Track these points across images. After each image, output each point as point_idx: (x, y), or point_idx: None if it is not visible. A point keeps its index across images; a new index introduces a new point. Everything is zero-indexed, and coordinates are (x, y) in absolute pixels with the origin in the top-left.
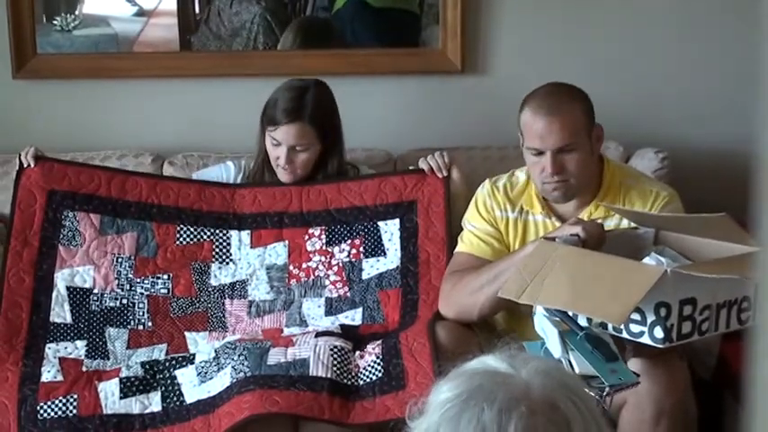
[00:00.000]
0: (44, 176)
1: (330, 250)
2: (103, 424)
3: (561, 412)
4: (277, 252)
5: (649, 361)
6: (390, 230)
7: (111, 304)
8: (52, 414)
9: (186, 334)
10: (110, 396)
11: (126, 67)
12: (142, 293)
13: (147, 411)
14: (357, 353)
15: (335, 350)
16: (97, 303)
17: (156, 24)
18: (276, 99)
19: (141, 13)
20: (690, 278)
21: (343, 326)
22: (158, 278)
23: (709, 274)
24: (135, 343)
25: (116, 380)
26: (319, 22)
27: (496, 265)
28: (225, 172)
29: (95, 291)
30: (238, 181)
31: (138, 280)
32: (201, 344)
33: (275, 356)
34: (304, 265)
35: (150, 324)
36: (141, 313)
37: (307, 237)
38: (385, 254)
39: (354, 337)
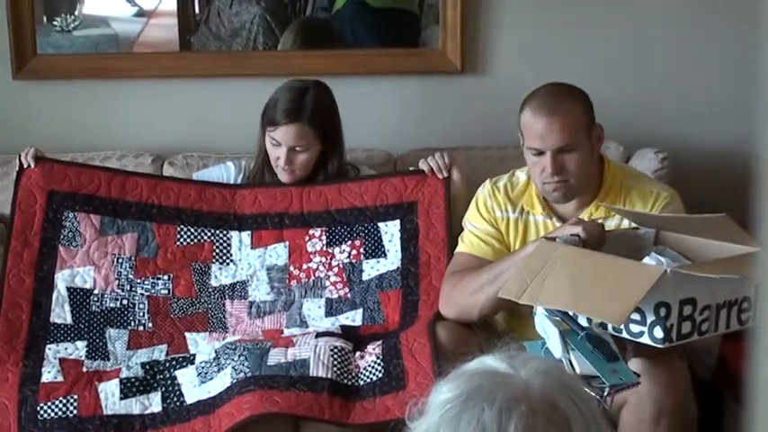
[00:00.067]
0: (44, 177)
1: (330, 251)
2: (104, 424)
3: (561, 412)
4: (277, 253)
5: (649, 361)
6: (391, 231)
7: (112, 305)
8: (52, 414)
9: (186, 335)
10: (110, 396)
11: (126, 68)
12: (142, 294)
13: (148, 412)
14: (357, 353)
15: (336, 350)
16: (97, 304)
17: (156, 25)
18: (276, 99)
19: (141, 13)
20: (690, 278)
21: (343, 326)
22: (159, 279)
23: (709, 274)
24: (135, 344)
25: (116, 380)
26: (319, 22)
27: (497, 266)
28: (225, 172)
29: (96, 291)
30: (239, 181)
31: (139, 280)
32: (202, 344)
33: (275, 357)
34: (304, 266)
35: (150, 325)
36: (141, 314)
37: (307, 237)
38: (385, 255)
39: (354, 338)
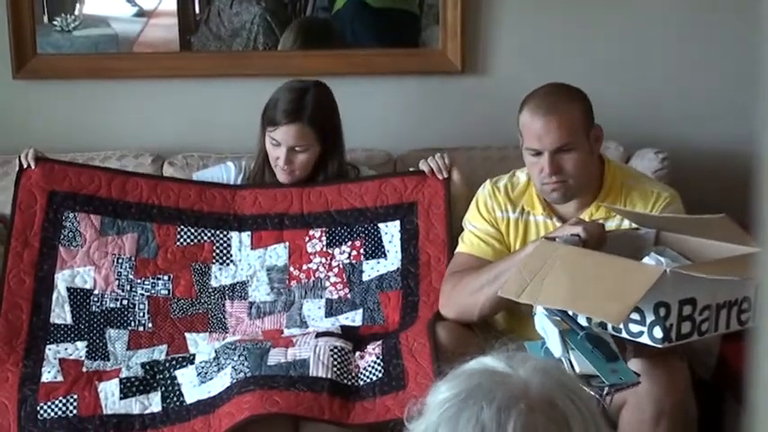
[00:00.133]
0: (44, 177)
1: (330, 252)
2: (103, 424)
3: (560, 410)
4: (277, 253)
5: (649, 361)
6: (391, 232)
7: (112, 305)
8: (52, 414)
9: (186, 335)
10: (110, 396)
11: (126, 68)
12: (142, 294)
13: (147, 412)
14: (357, 353)
15: (336, 350)
16: (97, 304)
17: (156, 25)
18: (276, 99)
19: (141, 13)
20: (689, 278)
21: (343, 327)
22: (159, 279)
23: (708, 274)
24: (135, 344)
25: (116, 380)
26: (319, 22)
27: (497, 266)
28: (225, 172)
29: (96, 292)
30: (239, 181)
31: (139, 281)
32: (202, 345)
33: (275, 357)
34: (304, 267)
35: (150, 325)
36: (141, 314)
37: (307, 238)
38: (385, 255)
39: (354, 338)
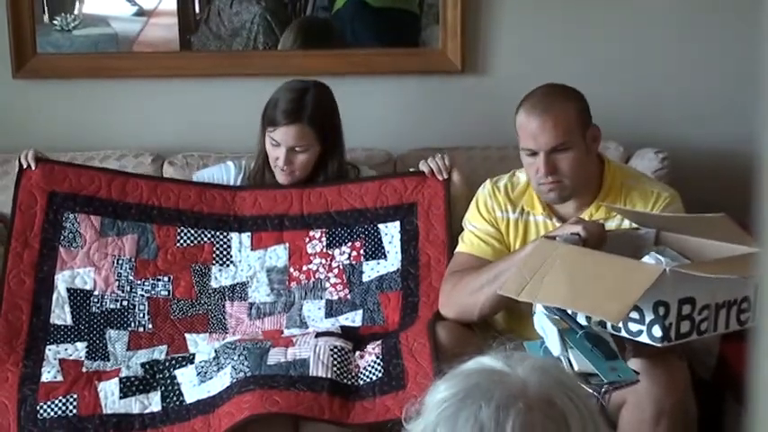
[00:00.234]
0: (45, 178)
1: (330, 253)
2: (103, 424)
3: (558, 408)
4: (277, 254)
5: (649, 361)
6: (391, 233)
7: (112, 306)
8: (52, 414)
9: (186, 335)
10: (109, 396)
11: (126, 67)
12: (142, 295)
13: (147, 411)
14: (357, 353)
15: (335, 350)
16: (97, 305)
17: (156, 24)
18: (276, 100)
19: (141, 12)
20: (689, 278)
21: (343, 327)
22: (159, 280)
23: (707, 273)
24: (135, 344)
25: (116, 380)
26: (319, 22)
27: (497, 265)
28: (225, 172)
29: (96, 292)
30: (239, 181)
31: (139, 282)
32: (202, 345)
33: (275, 356)
34: (304, 268)
35: (150, 326)
36: (141, 315)
37: (307, 239)
38: (385, 256)
39: (354, 338)
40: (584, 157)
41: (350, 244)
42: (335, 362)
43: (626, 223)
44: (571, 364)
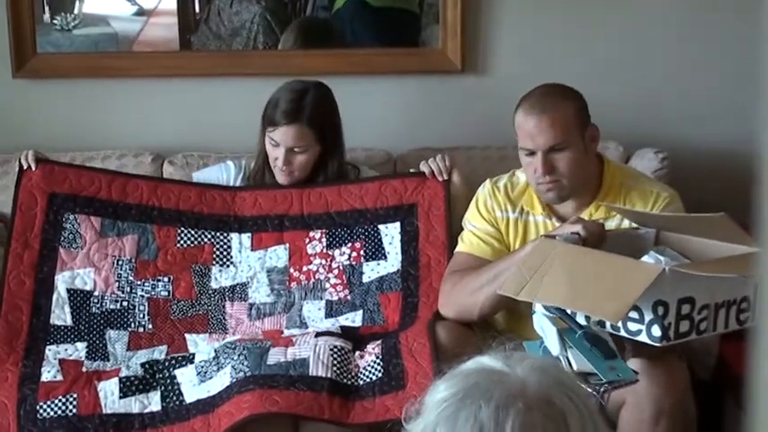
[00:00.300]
0: (45, 179)
1: (330, 253)
2: (103, 423)
3: (557, 408)
4: (277, 255)
5: (648, 361)
6: (391, 234)
7: (112, 306)
8: (52, 413)
9: (186, 336)
10: (109, 395)
11: (126, 67)
12: (142, 296)
13: (147, 411)
14: (357, 353)
15: (335, 350)
16: (97, 306)
17: (156, 24)
18: (277, 99)
19: (141, 12)
20: (688, 277)
21: (342, 327)
22: (159, 280)
23: (707, 273)
24: (135, 345)
25: (115, 379)
26: (319, 21)
27: (496, 265)
28: (225, 172)
29: (96, 293)
30: (239, 181)
31: (139, 282)
32: (201, 345)
33: (275, 356)
34: (304, 268)
35: (150, 326)
36: (141, 315)
37: (307, 240)
38: (385, 257)
39: (354, 338)
40: (582, 157)
41: (350, 244)
42: (335, 362)
43: (625, 223)
44: (570, 364)
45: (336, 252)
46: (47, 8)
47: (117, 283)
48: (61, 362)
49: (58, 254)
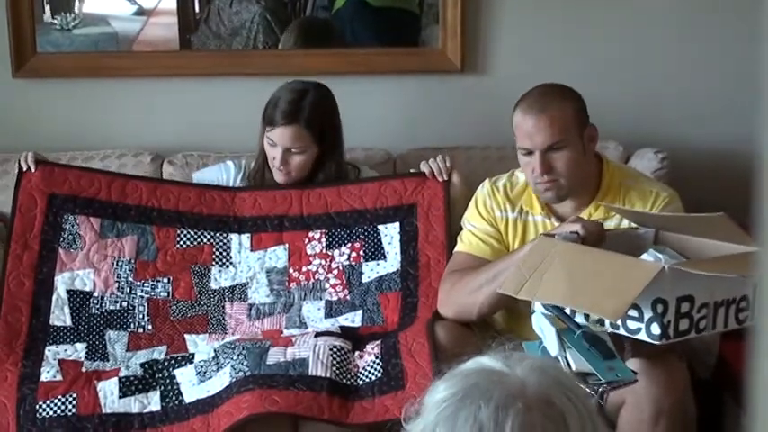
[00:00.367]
0: (44, 180)
1: (330, 253)
2: (102, 423)
3: (557, 408)
4: (277, 255)
5: (648, 361)
6: (390, 234)
7: (111, 307)
8: (51, 413)
9: (186, 336)
10: (109, 395)
11: (126, 67)
12: (142, 296)
13: (147, 410)
14: (356, 353)
15: (335, 350)
16: (97, 306)
17: (156, 23)
18: (276, 99)
19: (141, 12)
20: (687, 275)
21: (342, 327)
22: (158, 281)
23: (706, 271)
24: (135, 345)
25: (115, 379)
26: (319, 21)
27: (495, 265)
28: (225, 172)
29: (95, 294)
30: (238, 180)
31: (138, 283)
32: (201, 345)
33: (274, 356)
34: (304, 269)
35: (150, 327)
36: (141, 316)
37: (307, 240)
38: (385, 257)
39: (354, 338)
40: (580, 157)
41: (349, 245)
42: (335, 361)
43: (624, 223)
44: (569, 364)
45: (336, 252)
46: (47, 8)
47: (116, 284)
48: (61, 362)
49: (57, 255)
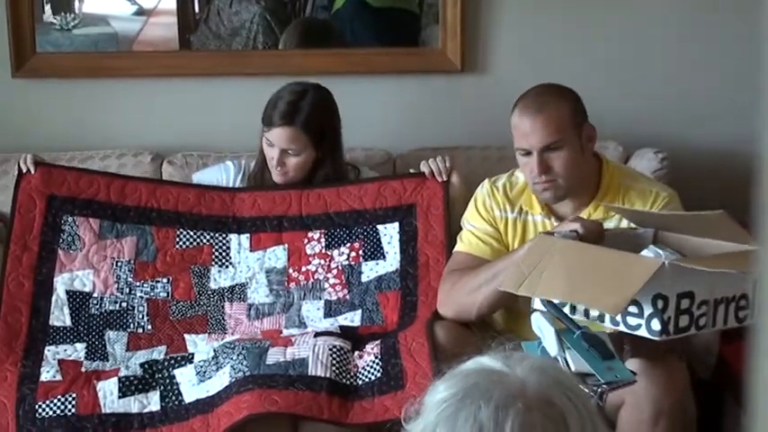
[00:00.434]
0: (44, 182)
1: (329, 253)
2: (102, 423)
3: (557, 408)
4: (276, 255)
5: (648, 361)
6: (390, 234)
7: (111, 308)
8: (51, 413)
9: (186, 336)
10: (108, 395)
11: (125, 67)
12: (142, 297)
13: (146, 411)
14: (356, 353)
15: (334, 350)
16: (97, 307)
17: (156, 23)
18: (276, 100)
19: (141, 12)
20: (688, 272)
21: (342, 327)
22: (158, 282)
23: (706, 267)
24: (134, 345)
25: (115, 379)
26: (319, 21)
27: (495, 265)
28: (224, 172)
29: (95, 294)
30: (238, 181)
31: (138, 283)
32: (201, 345)
33: (274, 356)
34: (303, 269)
35: (150, 327)
36: (141, 316)
37: (306, 240)
38: (384, 257)
39: (353, 337)
40: (578, 157)
41: (349, 245)
42: (334, 361)
43: (624, 223)
44: (568, 365)
45: (335, 252)
46: (47, 8)
47: (116, 285)
48: (60, 362)
49: (56, 256)
